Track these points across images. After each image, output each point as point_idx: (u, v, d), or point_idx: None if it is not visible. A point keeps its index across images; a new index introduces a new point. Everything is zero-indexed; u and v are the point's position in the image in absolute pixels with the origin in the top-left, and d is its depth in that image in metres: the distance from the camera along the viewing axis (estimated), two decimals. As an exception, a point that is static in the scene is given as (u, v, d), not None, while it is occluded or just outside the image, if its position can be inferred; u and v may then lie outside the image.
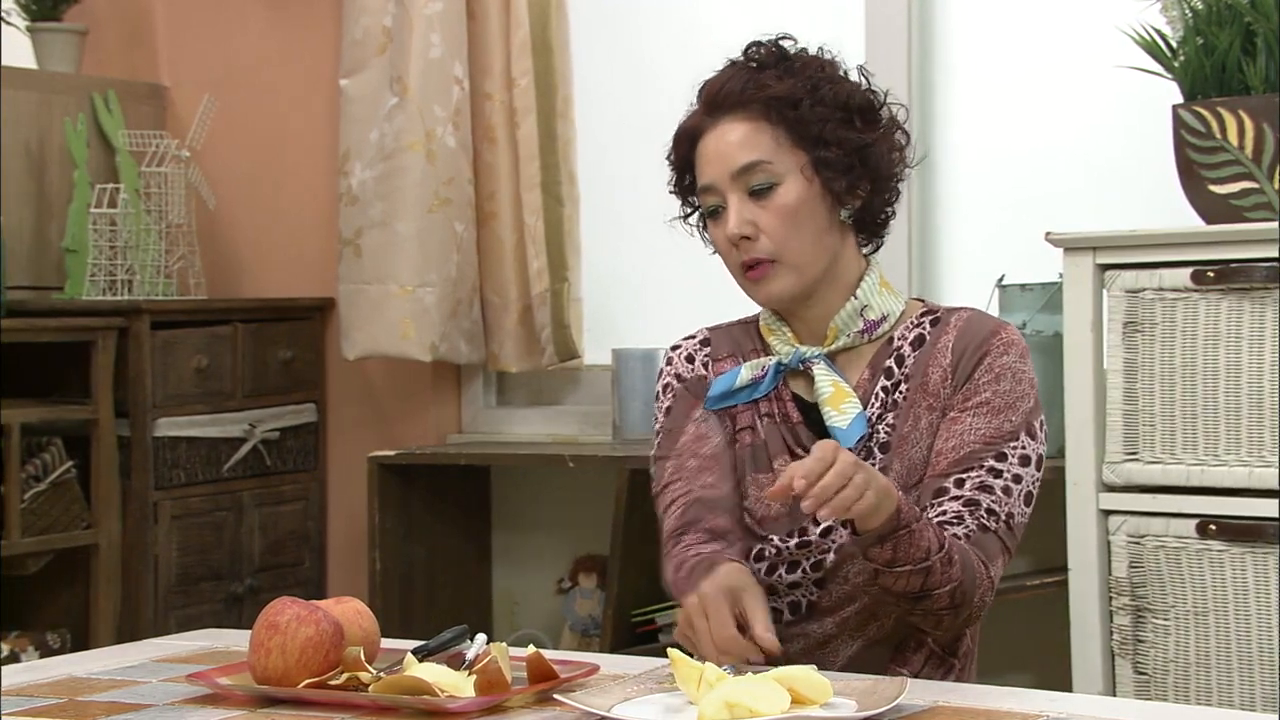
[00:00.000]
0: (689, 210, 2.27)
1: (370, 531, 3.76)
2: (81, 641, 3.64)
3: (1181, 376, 2.76)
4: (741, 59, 2.21)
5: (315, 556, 4.07)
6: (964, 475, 2.10)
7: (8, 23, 3.98)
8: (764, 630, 1.95)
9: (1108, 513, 2.82)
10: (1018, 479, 2.11)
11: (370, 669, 1.84)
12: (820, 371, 2.18)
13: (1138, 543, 2.79)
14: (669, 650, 1.79)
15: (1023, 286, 3.19)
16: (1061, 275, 2.88)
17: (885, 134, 2.20)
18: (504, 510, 4.01)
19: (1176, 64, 2.85)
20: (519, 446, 3.86)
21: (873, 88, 2.21)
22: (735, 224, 2.15)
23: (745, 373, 2.23)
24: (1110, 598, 2.82)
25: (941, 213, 3.60)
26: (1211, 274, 2.73)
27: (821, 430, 2.17)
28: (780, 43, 2.20)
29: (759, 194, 2.15)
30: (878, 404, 2.17)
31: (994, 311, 3.20)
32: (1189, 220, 2.87)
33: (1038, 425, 2.15)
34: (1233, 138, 2.76)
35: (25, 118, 3.88)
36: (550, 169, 3.77)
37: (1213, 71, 2.80)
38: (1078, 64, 3.43)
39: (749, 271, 2.17)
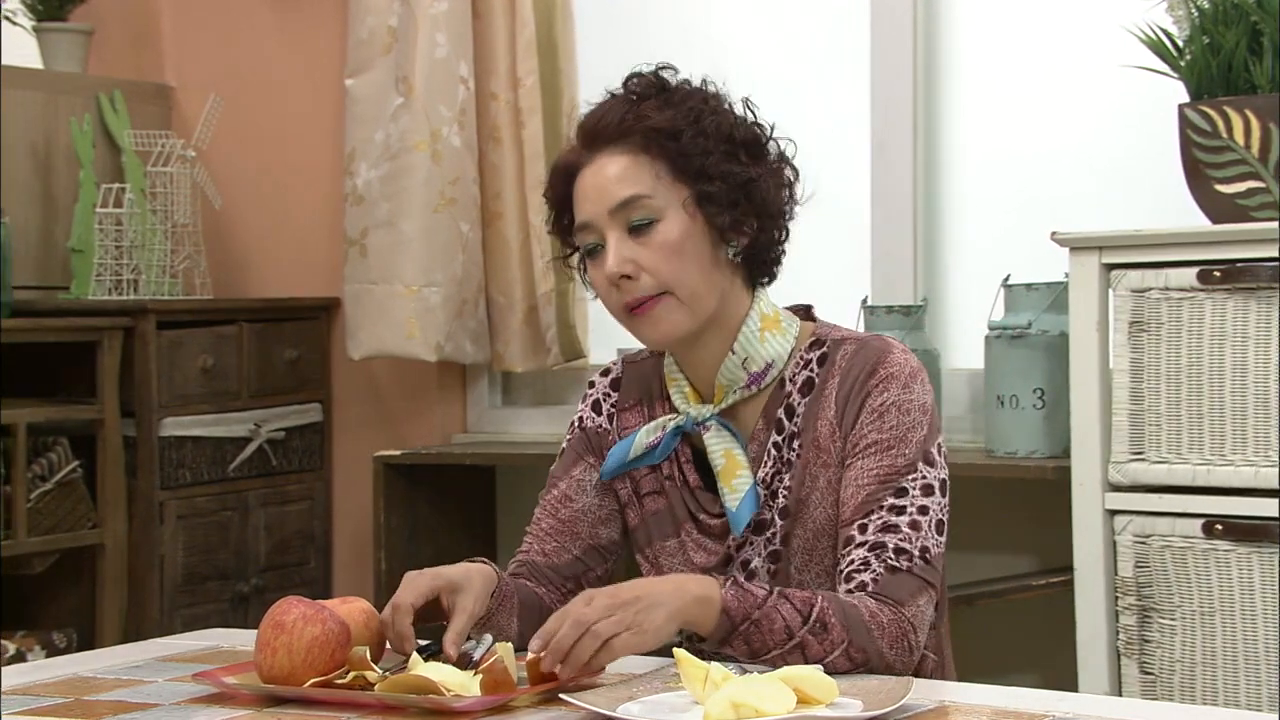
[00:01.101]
0: (569, 251, 2.16)
1: (375, 531, 3.76)
2: (87, 641, 3.64)
3: (1187, 376, 2.76)
4: (621, 91, 2.11)
5: (321, 556, 4.07)
6: (866, 520, 2.02)
7: (14, 22, 3.98)
8: (450, 641, 1.93)
9: (1113, 513, 2.82)
10: (924, 510, 2.02)
11: (376, 668, 1.84)
12: (712, 439, 2.11)
13: (1143, 542, 2.79)
14: (674, 650, 1.79)
15: (1028, 286, 3.18)
16: (1067, 275, 2.88)
17: (772, 169, 2.11)
18: (509, 510, 4.01)
19: (1182, 63, 2.85)
20: (524, 446, 3.86)
21: (758, 121, 2.12)
22: (614, 262, 2.03)
23: (642, 438, 2.15)
24: (1116, 597, 2.82)
25: (947, 213, 3.59)
26: (1217, 273, 2.73)
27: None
28: (660, 73, 2.10)
29: (639, 230, 2.04)
30: (771, 461, 2.09)
31: (999, 312, 3.20)
32: (1195, 220, 2.87)
33: (935, 450, 2.06)
34: (1239, 137, 2.76)
35: (31, 118, 3.88)
36: (555, 169, 3.77)
37: (1219, 71, 2.80)
38: (1083, 64, 3.43)
39: (634, 310, 2.05)
